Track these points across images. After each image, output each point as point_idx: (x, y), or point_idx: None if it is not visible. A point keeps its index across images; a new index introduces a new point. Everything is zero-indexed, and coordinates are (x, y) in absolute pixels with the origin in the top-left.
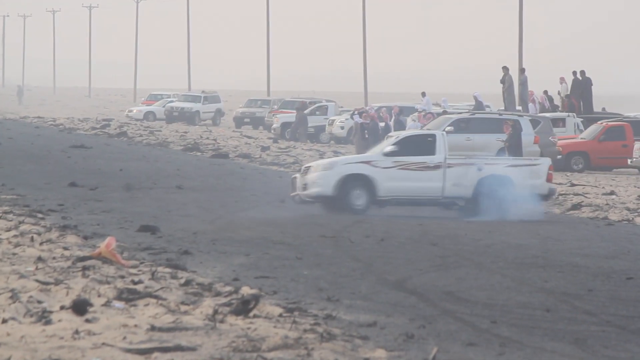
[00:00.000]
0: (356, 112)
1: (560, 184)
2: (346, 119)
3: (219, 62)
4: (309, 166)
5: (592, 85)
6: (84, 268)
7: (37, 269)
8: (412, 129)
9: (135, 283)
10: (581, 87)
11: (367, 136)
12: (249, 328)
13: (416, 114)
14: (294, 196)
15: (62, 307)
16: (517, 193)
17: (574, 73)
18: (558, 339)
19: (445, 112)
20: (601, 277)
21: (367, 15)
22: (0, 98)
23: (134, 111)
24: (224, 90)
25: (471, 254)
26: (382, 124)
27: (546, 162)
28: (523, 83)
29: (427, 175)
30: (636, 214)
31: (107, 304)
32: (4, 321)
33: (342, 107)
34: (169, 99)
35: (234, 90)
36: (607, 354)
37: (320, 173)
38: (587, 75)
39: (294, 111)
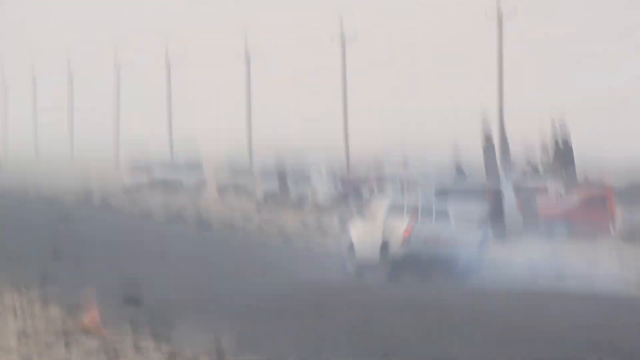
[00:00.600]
0: (339, 180)
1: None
2: (329, 187)
3: (201, 128)
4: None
5: (570, 137)
6: (68, 341)
7: (20, 343)
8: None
9: (118, 356)
10: (559, 141)
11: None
12: None
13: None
14: None
15: None
16: None
17: (555, 141)
18: None
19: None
20: None
21: (348, 79)
22: None
23: None
24: (208, 159)
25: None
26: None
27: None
28: (505, 151)
29: None
30: None
31: None
32: None
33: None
34: None
35: (217, 158)
36: None
37: None
38: (564, 125)
39: (276, 179)
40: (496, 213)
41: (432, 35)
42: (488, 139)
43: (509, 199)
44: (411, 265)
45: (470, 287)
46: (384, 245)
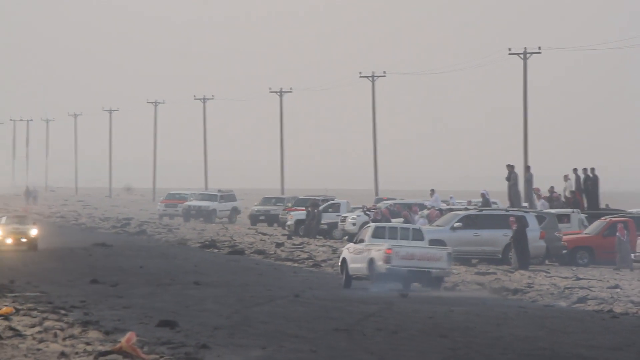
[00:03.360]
0: (366, 209)
1: (566, 277)
2: (358, 216)
3: (235, 161)
4: None
5: (598, 182)
6: None
7: None
8: (420, 224)
9: None
10: (588, 184)
11: None
12: None
13: (425, 210)
14: None
15: None
16: None
17: (575, 170)
18: None
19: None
20: None
21: (377, 113)
22: (24, 200)
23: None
24: (240, 189)
25: (480, 346)
26: (400, 219)
27: (386, 245)
28: (528, 180)
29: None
30: None
31: None
32: None
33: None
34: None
35: (249, 188)
36: None
37: None
38: (595, 173)
39: (307, 208)
40: (519, 240)
41: (458, 70)
42: (511, 168)
43: (533, 226)
44: (392, 277)
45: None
46: (371, 261)
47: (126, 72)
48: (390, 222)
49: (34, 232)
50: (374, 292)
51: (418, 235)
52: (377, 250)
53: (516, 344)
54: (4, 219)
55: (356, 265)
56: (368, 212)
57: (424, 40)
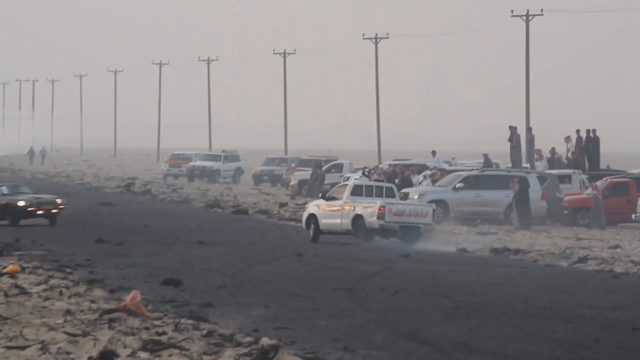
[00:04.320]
0: (367, 170)
1: (566, 237)
2: (360, 177)
3: (238, 121)
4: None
5: (599, 143)
6: (110, 320)
7: (65, 321)
8: (425, 185)
9: (159, 334)
10: (589, 145)
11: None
12: None
13: (430, 171)
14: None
15: (89, 358)
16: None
17: (578, 132)
18: None
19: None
20: (608, 327)
21: (380, 75)
22: (28, 159)
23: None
24: (243, 149)
25: (482, 306)
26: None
27: (379, 202)
28: (530, 141)
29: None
30: None
31: (132, 355)
32: None
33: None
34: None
35: (252, 149)
36: None
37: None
38: (597, 134)
39: (311, 169)
40: (521, 201)
41: (460, 32)
42: (513, 129)
43: (534, 187)
44: (385, 232)
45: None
46: (357, 217)
47: (131, 32)
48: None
49: (62, 201)
50: (365, 246)
51: (391, 193)
52: (366, 207)
53: (517, 303)
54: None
55: (331, 221)
56: (367, 174)
57: (426, 3)
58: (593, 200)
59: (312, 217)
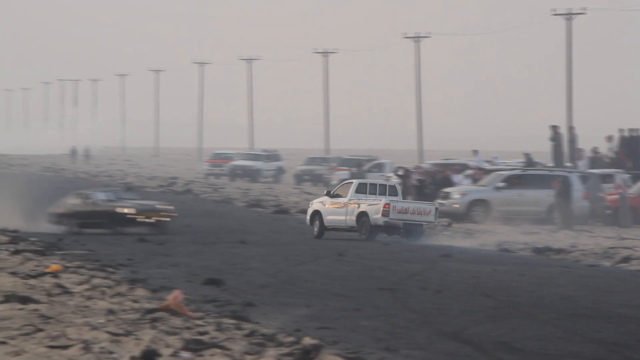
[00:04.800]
0: (401, 171)
1: (609, 237)
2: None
3: (280, 120)
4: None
5: None
6: (153, 320)
7: (108, 321)
8: (463, 184)
9: (201, 334)
10: (632, 144)
11: (427, 191)
12: None
13: (471, 171)
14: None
15: (132, 358)
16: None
17: (621, 131)
18: None
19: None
20: None
21: (421, 76)
22: (70, 159)
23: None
24: (284, 149)
25: (524, 306)
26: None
27: (384, 200)
28: (572, 140)
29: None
30: None
31: (174, 354)
32: None
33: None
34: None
35: (293, 148)
36: None
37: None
38: (639, 133)
39: (351, 168)
40: (563, 200)
41: (501, 31)
42: (555, 128)
43: (576, 186)
44: (389, 229)
45: None
46: (362, 214)
47: (173, 33)
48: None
49: (170, 208)
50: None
51: (394, 191)
52: (371, 204)
53: (559, 303)
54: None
55: (336, 218)
56: (399, 175)
57: (467, 1)
58: (620, 199)
59: (317, 214)
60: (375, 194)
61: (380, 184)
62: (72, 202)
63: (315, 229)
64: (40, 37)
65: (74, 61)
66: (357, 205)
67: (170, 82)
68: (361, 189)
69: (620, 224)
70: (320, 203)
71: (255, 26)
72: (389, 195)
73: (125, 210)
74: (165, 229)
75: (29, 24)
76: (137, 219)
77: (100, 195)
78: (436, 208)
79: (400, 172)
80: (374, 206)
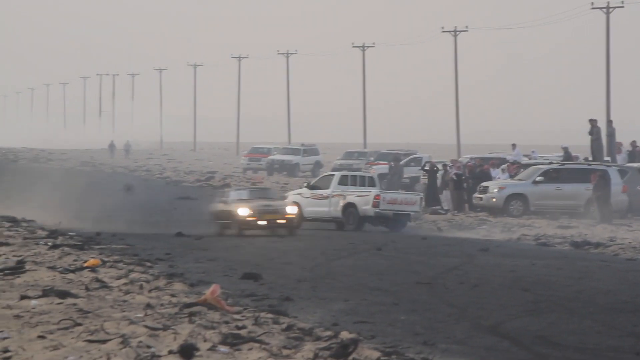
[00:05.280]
0: (427, 166)
1: None
2: (439, 170)
3: (317, 115)
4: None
5: None
6: (190, 314)
7: (146, 315)
8: (501, 178)
9: (239, 328)
10: None
11: (465, 185)
12: None
13: (505, 164)
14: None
15: (170, 352)
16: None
17: None
18: None
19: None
20: None
21: (459, 70)
22: (109, 153)
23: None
24: (322, 143)
25: (562, 300)
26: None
27: (374, 192)
28: (611, 134)
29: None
30: None
31: (212, 349)
32: None
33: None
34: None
35: (331, 142)
36: None
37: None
38: None
39: (389, 163)
40: (602, 194)
41: (539, 25)
42: (594, 122)
43: (615, 180)
44: (378, 219)
45: None
46: (349, 206)
47: (210, 26)
48: (467, 176)
49: (292, 209)
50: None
51: (372, 182)
52: (359, 196)
53: (598, 297)
54: (245, 193)
55: (317, 209)
56: (425, 169)
57: None
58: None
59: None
60: (356, 186)
61: (359, 176)
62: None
63: None
64: (79, 32)
65: (112, 55)
66: (342, 197)
67: (209, 77)
68: (343, 181)
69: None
70: (298, 195)
71: (294, 20)
72: (368, 186)
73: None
74: (293, 230)
75: (68, 18)
76: (251, 221)
77: (233, 195)
78: (421, 198)
79: (427, 167)
80: (363, 197)
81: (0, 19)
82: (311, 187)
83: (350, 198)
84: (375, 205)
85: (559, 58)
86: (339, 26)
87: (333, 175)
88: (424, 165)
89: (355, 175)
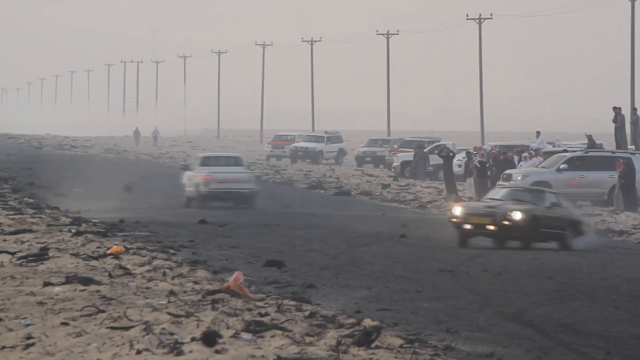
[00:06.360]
0: (444, 152)
1: None
2: (463, 158)
3: (341, 102)
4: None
5: None
6: (213, 301)
7: (169, 302)
8: (525, 166)
9: (262, 315)
10: None
11: (489, 173)
12: (371, 359)
13: (525, 153)
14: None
15: (192, 339)
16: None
17: None
18: None
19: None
20: None
21: (483, 57)
22: (134, 141)
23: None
24: (346, 131)
25: (585, 287)
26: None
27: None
28: (635, 122)
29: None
30: None
31: (235, 336)
32: (138, 352)
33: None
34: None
35: (355, 130)
36: None
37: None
38: None
39: (413, 150)
40: (626, 182)
41: (563, 12)
42: (618, 110)
43: (639, 167)
44: (212, 197)
45: None
46: (197, 185)
47: (234, 14)
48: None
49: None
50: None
51: (238, 162)
52: (199, 176)
53: (621, 285)
54: None
55: (189, 189)
56: (441, 155)
57: None
58: None
59: (183, 187)
60: (220, 166)
61: (224, 157)
62: None
63: (183, 198)
64: (103, 19)
65: (136, 43)
66: (196, 177)
67: (233, 64)
68: (206, 162)
69: None
70: (185, 176)
71: (318, 7)
72: (235, 165)
73: None
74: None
75: (90, 6)
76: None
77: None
78: (256, 176)
79: (444, 153)
80: (198, 177)
81: (22, 6)
82: (184, 168)
83: (197, 178)
84: (205, 184)
85: (583, 46)
86: (364, 13)
87: (199, 157)
88: (440, 151)
89: (219, 156)
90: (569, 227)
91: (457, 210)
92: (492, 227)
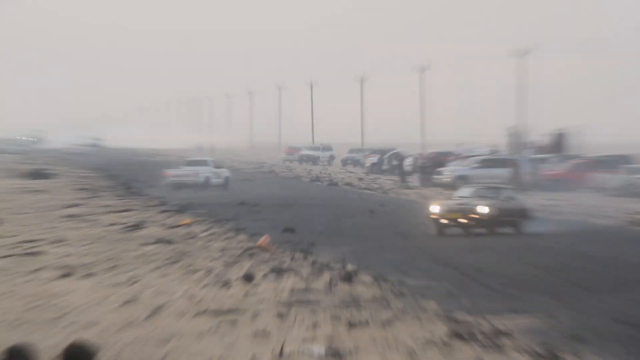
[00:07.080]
0: (419, 156)
1: None
2: (411, 160)
3: (335, 118)
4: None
5: None
6: (250, 254)
7: (222, 255)
8: (452, 165)
9: (281, 263)
10: None
11: (429, 170)
12: (351, 290)
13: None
14: None
15: (237, 278)
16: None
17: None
18: None
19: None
20: None
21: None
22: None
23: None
24: (335, 142)
25: (496, 245)
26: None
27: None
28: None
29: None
30: None
31: (264, 276)
32: (204, 286)
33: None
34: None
35: (343, 142)
36: None
37: None
38: None
39: (378, 155)
40: (515, 175)
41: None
42: (511, 129)
43: (524, 165)
44: (176, 186)
45: None
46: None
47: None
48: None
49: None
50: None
51: (204, 163)
52: (167, 172)
53: (528, 247)
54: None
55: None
56: (421, 160)
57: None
58: None
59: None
60: (196, 166)
61: (201, 160)
62: None
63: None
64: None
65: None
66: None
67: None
68: (189, 163)
69: None
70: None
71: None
72: (202, 166)
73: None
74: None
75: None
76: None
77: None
78: (206, 176)
79: (398, 158)
80: (167, 173)
81: (135, 33)
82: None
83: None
84: (169, 177)
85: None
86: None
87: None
88: (396, 156)
89: (198, 160)
90: (520, 215)
91: (435, 208)
92: (464, 220)
